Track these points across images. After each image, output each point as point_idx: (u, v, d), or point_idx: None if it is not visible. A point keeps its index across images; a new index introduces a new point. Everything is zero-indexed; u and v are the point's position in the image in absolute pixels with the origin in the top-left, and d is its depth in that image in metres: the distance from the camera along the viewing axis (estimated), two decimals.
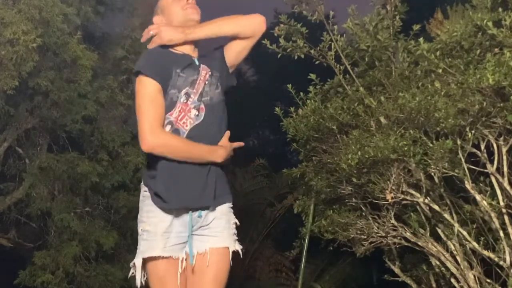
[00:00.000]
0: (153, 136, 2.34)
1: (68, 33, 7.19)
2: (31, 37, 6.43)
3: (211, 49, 2.70)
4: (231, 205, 2.63)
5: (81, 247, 7.67)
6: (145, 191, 2.48)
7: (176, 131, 2.42)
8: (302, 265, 6.47)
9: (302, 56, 4.97)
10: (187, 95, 2.44)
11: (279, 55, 5.04)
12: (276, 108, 5.21)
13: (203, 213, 2.47)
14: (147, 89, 2.42)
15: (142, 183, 2.54)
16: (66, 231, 7.67)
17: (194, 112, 2.45)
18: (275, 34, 4.94)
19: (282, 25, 4.90)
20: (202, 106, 2.48)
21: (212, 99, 2.54)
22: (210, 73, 2.53)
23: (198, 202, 2.44)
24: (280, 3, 5.51)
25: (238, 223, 2.63)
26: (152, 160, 2.45)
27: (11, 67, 6.52)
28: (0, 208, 7.77)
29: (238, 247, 2.59)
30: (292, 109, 5.15)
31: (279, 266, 9.51)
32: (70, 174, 7.69)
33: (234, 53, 2.68)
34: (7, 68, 6.51)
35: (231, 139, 2.68)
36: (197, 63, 2.52)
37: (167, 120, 2.42)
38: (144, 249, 2.38)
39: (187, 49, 2.53)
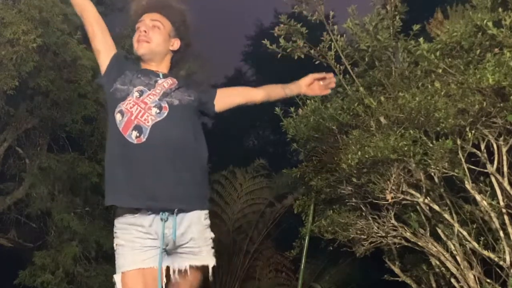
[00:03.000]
0: None
1: (68, 33, 7.18)
2: (31, 37, 6.43)
3: (204, 83, 2.77)
4: (207, 213, 2.52)
5: (81, 247, 7.66)
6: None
7: (138, 128, 2.37)
8: (302, 265, 6.47)
9: (302, 56, 4.97)
10: (141, 92, 2.45)
11: (279, 55, 5.05)
12: (276, 108, 5.21)
13: (177, 219, 2.39)
14: None
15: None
16: (66, 231, 7.66)
17: (155, 110, 2.42)
18: (275, 34, 4.94)
19: (282, 25, 4.90)
20: (166, 105, 2.46)
21: (180, 101, 2.52)
22: (176, 85, 2.55)
23: (163, 203, 2.36)
24: (280, 3, 5.52)
25: (213, 236, 2.56)
26: (108, 173, 2.43)
27: (11, 67, 6.52)
28: (0, 208, 7.77)
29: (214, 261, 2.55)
30: (292, 109, 5.15)
31: (279, 266, 9.51)
32: (70, 174, 7.69)
33: (226, 104, 2.93)
34: (7, 68, 6.51)
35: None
36: (160, 76, 2.56)
37: (118, 108, 2.44)
38: (121, 263, 2.35)
39: (152, 66, 2.57)
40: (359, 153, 4.23)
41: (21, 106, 7.67)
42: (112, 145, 2.43)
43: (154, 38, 2.54)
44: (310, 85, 2.77)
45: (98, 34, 2.65)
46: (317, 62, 5.02)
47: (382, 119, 4.51)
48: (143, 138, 2.36)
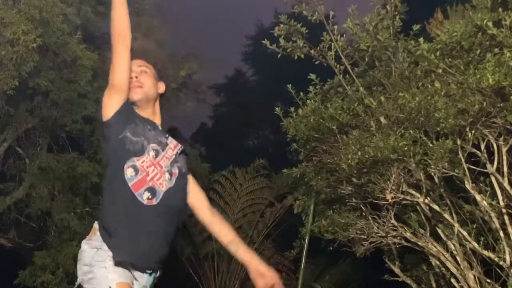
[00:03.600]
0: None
1: (68, 33, 7.19)
2: (31, 37, 6.43)
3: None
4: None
5: None
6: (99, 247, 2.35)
7: (152, 190, 2.36)
8: (302, 265, 6.47)
9: (302, 56, 4.97)
10: (156, 153, 2.42)
11: (279, 55, 5.05)
12: (276, 108, 5.21)
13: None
14: None
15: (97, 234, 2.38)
16: (66, 231, 7.67)
17: (167, 175, 2.42)
18: (275, 34, 4.94)
19: (282, 25, 4.90)
20: (175, 171, 2.47)
21: (183, 168, 2.53)
22: (179, 147, 2.55)
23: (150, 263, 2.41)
24: (280, 3, 5.53)
25: None
26: (111, 215, 2.37)
27: (11, 67, 6.52)
28: (0, 208, 7.77)
29: None
30: (292, 109, 5.15)
31: (279, 266, 9.50)
32: (70, 174, 7.69)
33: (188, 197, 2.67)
34: (7, 68, 6.51)
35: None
36: (160, 128, 2.54)
37: (131, 162, 2.35)
38: (112, 278, 2.28)
39: (149, 115, 2.53)
40: (359, 153, 4.23)
41: (21, 106, 7.68)
42: (118, 197, 2.37)
43: (146, 82, 2.54)
44: (258, 281, 2.61)
45: (126, 70, 2.54)
46: (317, 62, 5.02)
47: (382, 119, 4.51)
48: (154, 201, 2.36)
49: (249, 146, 18.59)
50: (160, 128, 2.53)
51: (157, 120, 2.56)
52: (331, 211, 5.11)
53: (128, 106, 2.46)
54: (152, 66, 2.61)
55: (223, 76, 19.25)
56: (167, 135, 2.53)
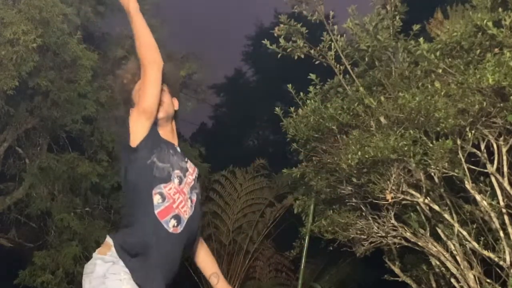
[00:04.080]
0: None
1: (68, 33, 7.19)
2: (31, 37, 6.43)
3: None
4: None
5: (81, 247, 7.67)
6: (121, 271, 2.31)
7: (177, 217, 2.36)
8: (302, 265, 6.47)
9: (302, 56, 4.97)
10: (180, 179, 2.41)
11: (279, 55, 5.05)
12: (276, 108, 5.21)
13: None
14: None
15: (115, 254, 2.32)
16: (66, 231, 7.67)
17: (189, 202, 2.43)
18: (275, 34, 4.94)
19: (282, 25, 4.90)
20: (194, 198, 2.49)
21: (199, 194, 2.55)
22: (197, 171, 2.57)
23: None
24: (280, 3, 5.53)
25: None
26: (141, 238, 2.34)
27: (11, 67, 6.52)
28: (0, 208, 7.77)
29: None
30: (292, 109, 5.15)
31: (279, 266, 9.52)
32: (70, 174, 7.69)
33: None
34: (7, 68, 6.51)
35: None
36: (179, 150, 2.51)
37: (158, 189, 2.35)
38: None
39: (168, 133, 2.50)
40: (359, 153, 4.23)
41: (21, 106, 7.68)
42: (143, 222, 2.34)
43: (165, 99, 2.47)
44: None
45: (158, 96, 2.41)
46: (317, 62, 5.02)
47: (382, 119, 4.51)
48: (179, 229, 2.37)
49: (249, 146, 18.60)
50: (179, 150, 2.51)
51: (175, 140, 2.53)
52: (331, 211, 5.11)
53: (154, 130, 2.42)
54: (167, 84, 2.54)
55: (223, 76, 19.28)
56: (186, 159, 2.51)
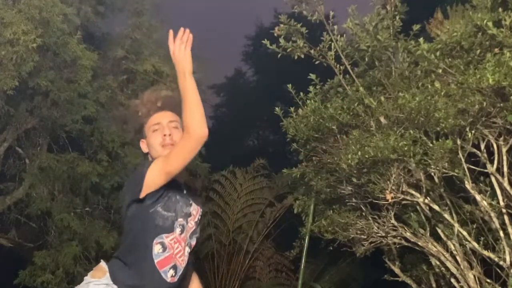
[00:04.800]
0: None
1: (68, 33, 7.18)
2: (31, 37, 6.43)
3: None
4: None
5: (81, 247, 7.66)
6: None
7: (175, 267, 2.35)
8: (302, 265, 6.47)
9: (302, 56, 4.97)
10: (182, 228, 2.37)
11: (279, 55, 5.04)
12: (276, 108, 5.21)
13: None
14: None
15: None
16: (66, 231, 7.66)
17: (187, 249, 2.40)
18: (275, 34, 4.94)
19: (282, 25, 4.90)
20: (193, 243, 2.47)
21: (199, 237, 2.52)
22: (200, 212, 2.51)
23: None
24: (280, 3, 5.53)
25: None
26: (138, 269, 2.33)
27: (11, 67, 6.52)
28: (0, 208, 7.77)
29: None
30: (292, 109, 5.15)
31: (279, 266, 9.52)
32: (70, 174, 7.69)
33: None
34: (7, 68, 6.51)
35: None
36: (184, 192, 2.45)
37: (160, 239, 2.32)
38: None
39: (179, 174, 2.38)
40: (359, 153, 4.23)
41: (21, 106, 7.68)
42: (141, 270, 2.33)
43: (177, 138, 2.39)
44: None
45: (187, 163, 2.32)
46: (317, 62, 5.02)
47: (382, 119, 4.51)
48: (175, 278, 2.36)
49: (249, 146, 18.59)
50: (185, 191, 2.44)
51: (183, 174, 2.44)
52: (331, 211, 5.11)
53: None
54: (179, 117, 2.44)
55: (223, 76, 19.26)
56: (190, 201, 2.45)
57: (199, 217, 2.50)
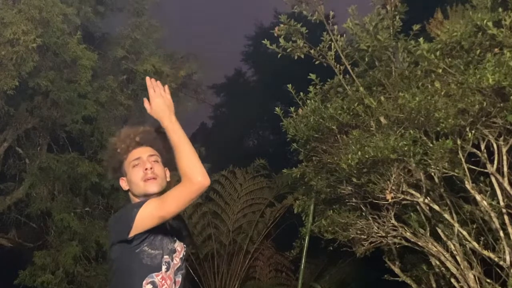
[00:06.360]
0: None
1: (68, 33, 7.19)
2: (31, 37, 6.44)
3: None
4: None
5: (81, 247, 7.67)
6: None
7: None
8: (302, 265, 6.47)
9: (302, 56, 4.97)
10: (167, 265, 2.33)
11: (279, 55, 5.04)
12: (276, 108, 5.21)
13: None
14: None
15: None
16: (66, 231, 7.67)
17: (173, 286, 2.35)
18: (275, 34, 4.94)
19: (282, 25, 4.90)
20: (179, 279, 2.41)
21: (185, 273, 2.46)
22: (185, 248, 2.47)
23: None
24: (280, 3, 5.52)
25: None
26: None
27: (11, 67, 6.53)
28: (0, 208, 7.77)
29: None
30: (292, 109, 5.15)
31: (279, 266, 9.52)
32: (70, 174, 7.70)
33: None
34: (7, 68, 6.52)
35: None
36: (168, 227, 2.37)
37: (150, 278, 2.28)
38: None
39: None
40: (359, 153, 4.23)
41: (21, 106, 7.69)
42: None
43: (159, 172, 2.37)
44: None
45: (182, 209, 2.31)
46: (317, 62, 5.02)
47: (382, 119, 4.51)
48: None
49: (249, 146, 18.59)
50: (168, 226, 2.39)
51: None
52: (331, 211, 5.11)
53: None
54: (160, 154, 2.42)
55: (223, 76, 19.26)
56: (174, 237, 2.40)
57: (184, 253, 2.46)
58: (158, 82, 2.35)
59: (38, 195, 7.77)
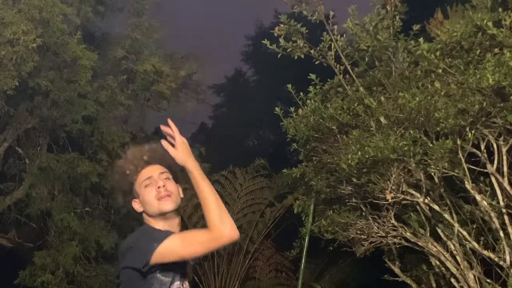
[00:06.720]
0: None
1: (68, 33, 7.19)
2: (31, 37, 6.44)
3: None
4: None
5: (81, 247, 7.67)
6: None
7: None
8: (302, 265, 6.47)
9: (302, 56, 4.97)
10: None
11: (279, 55, 5.05)
12: (276, 108, 5.21)
13: None
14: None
15: None
16: (66, 231, 7.67)
17: None
18: (275, 34, 4.94)
19: (282, 25, 4.90)
20: None
21: None
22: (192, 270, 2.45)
23: None
24: (280, 3, 5.54)
25: None
26: None
27: (11, 67, 6.53)
28: (0, 208, 7.77)
29: None
30: (292, 109, 5.15)
31: (279, 266, 9.52)
32: (70, 174, 7.69)
33: None
34: (7, 68, 6.52)
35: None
36: None
37: None
38: None
39: (175, 227, 2.31)
40: (359, 153, 4.23)
41: (21, 106, 7.68)
42: None
43: (172, 189, 2.30)
44: None
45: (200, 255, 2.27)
46: (317, 62, 5.02)
47: (382, 119, 4.51)
48: None
49: (249, 146, 18.60)
50: None
51: (178, 229, 2.34)
52: (331, 211, 5.11)
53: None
54: (170, 171, 2.36)
55: (223, 76, 19.28)
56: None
57: (192, 275, 2.43)
58: (173, 128, 2.28)
59: (38, 195, 7.76)
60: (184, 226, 2.35)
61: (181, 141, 2.26)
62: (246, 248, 9.03)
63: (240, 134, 17.97)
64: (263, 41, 5.02)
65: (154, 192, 2.28)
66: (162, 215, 2.26)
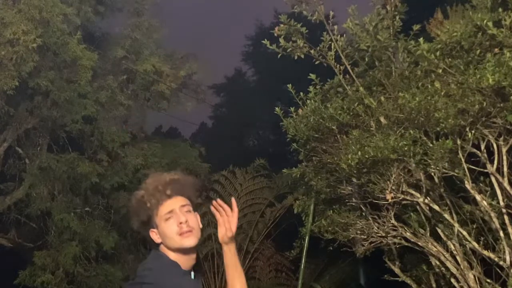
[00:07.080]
0: None
1: (68, 33, 7.19)
2: (31, 37, 6.44)
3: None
4: None
5: (81, 247, 7.67)
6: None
7: None
8: (302, 265, 6.48)
9: (302, 56, 4.97)
10: None
11: (279, 55, 5.05)
12: (276, 108, 5.21)
13: None
14: None
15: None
16: (66, 231, 7.67)
17: None
18: (275, 34, 4.94)
19: (282, 25, 4.90)
20: None
21: None
22: None
23: None
24: (280, 3, 5.54)
25: None
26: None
27: (11, 67, 6.53)
28: (0, 208, 7.77)
29: None
30: (292, 109, 5.16)
31: (279, 266, 9.52)
32: (70, 174, 7.70)
33: None
34: (7, 68, 6.52)
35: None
36: (193, 277, 2.34)
37: None
38: None
39: (191, 259, 2.31)
40: (359, 153, 4.23)
41: (21, 106, 7.69)
42: None
43: (194, 224, 2.28)
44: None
45: None
46: (317, 62, 5.02)
47: (382, 119, 4.51)
48: None
49: (249, 146, 18.61)
50: (192, 276, 2.34)
51: (193, 261, 2.34)
52: (331, 211, 5.11)
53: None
54: (191, 202, 2.34)
55: (223, 76, 19.29)
56: (197, 282, 2.36)
57: None
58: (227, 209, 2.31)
59: (38, 195, 7.76)
60: (198, 259, 2.36)
61: (235, 227, 2.29)
62: (246, 248, 9.03)
63: (240, 134, 17.99)
64: (263, 41, 5.02)
65: (175, 227, 2.25)
66: (182, 250, 2.24)
